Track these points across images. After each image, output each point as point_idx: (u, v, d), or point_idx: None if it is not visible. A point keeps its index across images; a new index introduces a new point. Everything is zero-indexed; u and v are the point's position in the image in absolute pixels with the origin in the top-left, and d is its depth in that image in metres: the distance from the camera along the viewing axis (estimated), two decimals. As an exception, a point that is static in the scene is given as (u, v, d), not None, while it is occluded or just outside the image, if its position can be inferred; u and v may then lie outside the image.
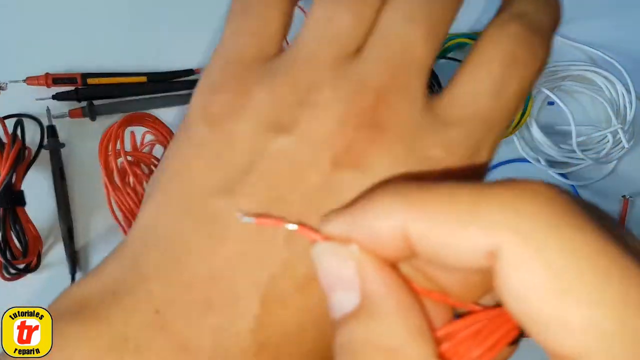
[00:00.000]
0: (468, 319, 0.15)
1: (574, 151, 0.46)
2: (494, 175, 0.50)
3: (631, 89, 0.47)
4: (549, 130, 0.47)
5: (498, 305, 0.16)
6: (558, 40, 0.49)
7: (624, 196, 0.48)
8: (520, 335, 0.15)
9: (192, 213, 0.18)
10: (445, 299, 0.16)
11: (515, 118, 0.46)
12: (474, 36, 0.47)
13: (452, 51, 0.48)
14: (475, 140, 0.18)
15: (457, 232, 0.13)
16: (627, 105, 0.47)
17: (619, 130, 0.46)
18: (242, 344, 0.17)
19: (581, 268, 0.12)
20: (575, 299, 0.12)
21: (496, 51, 0.18)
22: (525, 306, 0.12)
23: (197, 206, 0.18)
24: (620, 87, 0.47)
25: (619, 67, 0.47)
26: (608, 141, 0.47)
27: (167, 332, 0.17)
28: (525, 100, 0.19)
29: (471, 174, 0.18)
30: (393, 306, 0.14)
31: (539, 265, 0.12)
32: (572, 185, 0.47)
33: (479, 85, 0.18)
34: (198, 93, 0.19)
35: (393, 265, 0.15)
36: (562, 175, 0.47)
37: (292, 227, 0.17)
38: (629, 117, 0.47)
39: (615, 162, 0.48)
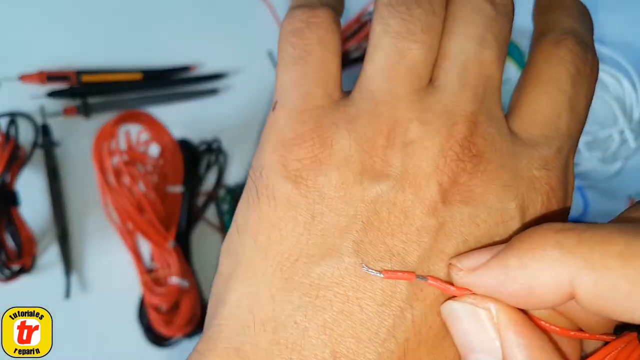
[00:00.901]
0: (601, 353, 0.15)
1: (579, 151, 0.45)
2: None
3: (638, 86, 0.46)
4: (554, 129, 0.46)
5: (619, 328, 0.16)
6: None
7: (630, 196, 0.47)
8: None
9: (295, 286, 0.16)
10: (583, 335, 0.15)
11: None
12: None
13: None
14: (565, 155, 0.18)
15: (638, 294, 0.13)
16: (634, 103, 0.46)
17: (626, 129, 0.46)
18: None
19: None
20: None
21: (562, 67, 0.18)
22: None
23: (300, 277, 0.16)
24: (626, 85, 0.47)
25: (625, 64, 0.47)
26: (614, 140, 0.46)
27: None
28: (589, 109, 0.20)
29: (567, 188, 0.18)
30: None
31: None
32: (578, 186, 0.47)
33: (555, 102, 0.18)
34: (269, 150, 0.18)
35: (528, 314, 0.15)
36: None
37: (424, 280, 0.15)
38: (636, 115, 0.46)
39: (621, 161, 0.47)
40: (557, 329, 0.15)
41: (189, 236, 0.43)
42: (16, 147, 0.40)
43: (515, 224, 0.16)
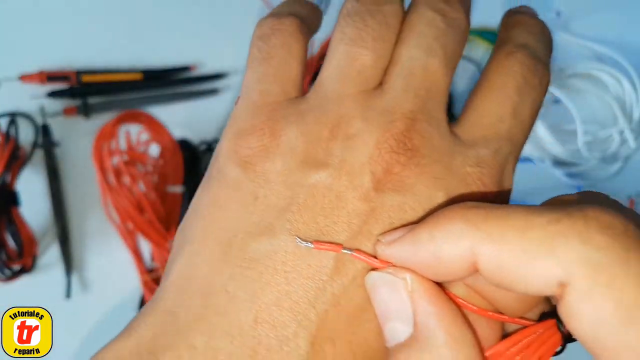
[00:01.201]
0: (518, 335, 0.16)
1: (579, 150, 0.45)
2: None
3: (638, 86, 0.46)
4: (554, 129, 0.46)
5: (544, 315, 0.16)
6: (564, 37, 0.48)
7: (630, 196, 0.47)
8: (563, 347, 0.16)
9: (231, 258, 0.17)
10: (500, 317, 0.16)
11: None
12: (479, 32, 0.46)
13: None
14: (503, 156, 0.19)
15: (529, 262, 0.14)
16: (634, 103, 0.46)
17: (626, 129, 0.46)
18: None
19: None
20: None
21: (510, 77, 0.20)
22: (594, 335, 0.13)
23: (236, 250, 0.17)
24: (627, 85, 0.47)
25: (626, 64, 0.47)
26: (614, 140, 0.46)
27: None
28: (535, 121, 0.21)
29: (502, 188, 0.19)
30: (445, 338, 0.15)
31: (609, 298, 0.13)
32: (578, 186, 0.46)
33: (499, 107, 0.19)
34: (226, 139, 0.19)
35: (444, 290, 0.16)
36: (568, 175, 0.47)
37: (350, 252, 0.17)
38: (636, 115, 0.46)
39: (621, 161, 0.47)
40: (474, 307, 0.16)
41: (189, 236, 0.43)
42: (16, 147, 0.40)
43: None
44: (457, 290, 0.16)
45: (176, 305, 0.17)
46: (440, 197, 0.17)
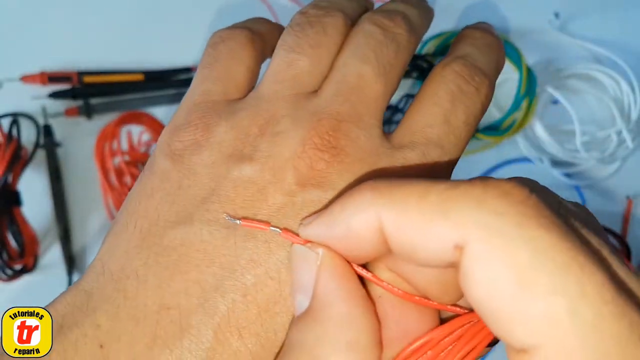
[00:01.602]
0: (450, 325, 0.15)
1: (577, 151, 0.45)
2: (497, 175, 0.49)
3: (636, 88, 0.46)
4: (553, 130, 0.47)
5: None
6: (562, 38, 0.49)
7: (628, 197, 0.47)
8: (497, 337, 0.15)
9: (148, 244, 0.17)
10: (427, 303, 0.16)
11: (519, 118, 0.45)
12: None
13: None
14: (431, 160, 0.19)
15: (426, 225, 0.13)
16: (632, 104, 0.47)
17: (624, 130, 0.46)
18: None
19: (542, 264, 0.12)
20: (534, 292, 0.12)
21: (443, 85, 0.20)
22: (488, 300, 0.12)
23: (154, 238, 0.18)
24: (625, 86, 0.47)
25: (624, 65, 0.47)
26: (612, 141, 0.46)
27: None
28: (474, 128, 0.21)
29: None
30: (337, 314, 0.15)
31: (502, 260, 0.12)
32: (576, 186, 0.47)
33: (430, 115, 0.20)
34: (163, 133, 0.20)
35: (370, 272, 0.16)
36: (566, 175, 0.47)
37: (277, 231, 0.17)
38: (634, 116, 0.47)
39: (619, 162, 0.47)
40: (399, 292, 0.16)
41: (190, 236, 0.43)
42: (18, 148, 0.40)
43: None
44: (383, 275, 0.16)
45: (92, 286, 0.17)
46: None
